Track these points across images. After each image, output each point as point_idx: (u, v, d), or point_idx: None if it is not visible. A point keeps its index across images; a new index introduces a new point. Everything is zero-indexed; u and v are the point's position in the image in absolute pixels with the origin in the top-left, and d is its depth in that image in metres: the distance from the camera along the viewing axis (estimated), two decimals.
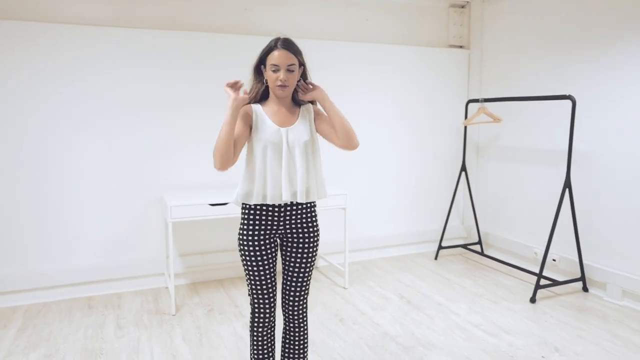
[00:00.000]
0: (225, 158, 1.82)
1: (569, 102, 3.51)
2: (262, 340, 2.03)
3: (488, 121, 4.10)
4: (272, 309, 2.02)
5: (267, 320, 2.02)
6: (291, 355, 2.10)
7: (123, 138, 3.48)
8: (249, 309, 3.16)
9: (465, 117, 4.36)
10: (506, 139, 4.27)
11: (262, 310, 1.99)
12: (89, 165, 3.42)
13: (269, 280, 1.97)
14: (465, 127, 4.37)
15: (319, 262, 4.18)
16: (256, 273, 1.95)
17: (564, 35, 3.66)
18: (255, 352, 2.05)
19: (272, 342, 2.08)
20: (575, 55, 3.58)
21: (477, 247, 4.56)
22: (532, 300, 3.36)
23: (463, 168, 4.39)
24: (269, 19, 3.82)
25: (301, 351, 2.10)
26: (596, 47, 3.42)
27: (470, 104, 4.39)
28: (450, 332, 2.92)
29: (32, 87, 3.22)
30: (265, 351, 2.06)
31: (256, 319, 2.01)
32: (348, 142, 1.92)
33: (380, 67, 4.22)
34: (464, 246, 4.55)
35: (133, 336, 2.86)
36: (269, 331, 2.05)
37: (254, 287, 1.97)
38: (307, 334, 2.11)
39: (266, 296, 1.98)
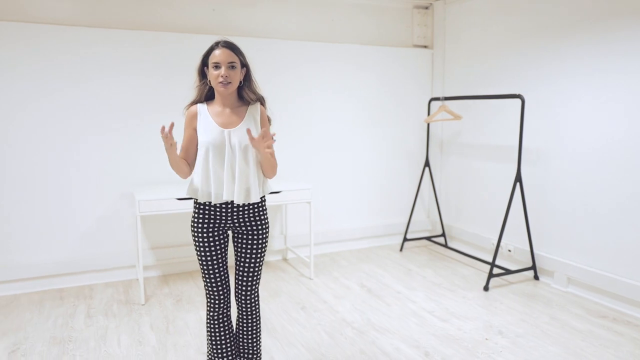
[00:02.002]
0: (182, 172, 2.03)
1: (519, 101, 3.70)
2: (215, 328, 2.12)
3: (449, 118, 4.28)
4: (224, 299, 2.10)
5: (218, 310, 2.10)
6: (245, 341, 2.19)
7: (95, 135, 3.57)
8: None
9: (428, 114, 4.54)
10: (466, 136, 4.46)
11: (214, 300, 2.09)
12: (62, 161, 3.51)
13: (219, 272, 2.06)
14: (428, 124, 4.55)
15: (287, 254, 4.33)
16: (209, 264, 2.05)
17: (519, 37, 3.85)
18: (208, 339, 2.16)
19: (226, 332, 2.14)
20: (528, 56, 3.77)
21: (441, 239, 4.75)
22: (486, 288, 3.56)
23: (427, 163, 4.57)
24: (236, 20, 3.93)
25: (254, 338, 2.18)
26: (548, 48, 3.62)
27: (433, 102, 4.56)
28: (404, 318, 3.09)
29: (9, 88, 3.31)
30: (218, 339, 2.13)
31: (209, 309, 2.12)
32: (267, 175, 2.05)
33: (347, 67, 4.36)
34: (429, 238, 4.74)
35: (102, 325, 2.98)
36: (222, 320, 2.12)
37: (205, 277, 2.07)
38: (259, 322, 2.19)
39: (218, 286, 2.08)
